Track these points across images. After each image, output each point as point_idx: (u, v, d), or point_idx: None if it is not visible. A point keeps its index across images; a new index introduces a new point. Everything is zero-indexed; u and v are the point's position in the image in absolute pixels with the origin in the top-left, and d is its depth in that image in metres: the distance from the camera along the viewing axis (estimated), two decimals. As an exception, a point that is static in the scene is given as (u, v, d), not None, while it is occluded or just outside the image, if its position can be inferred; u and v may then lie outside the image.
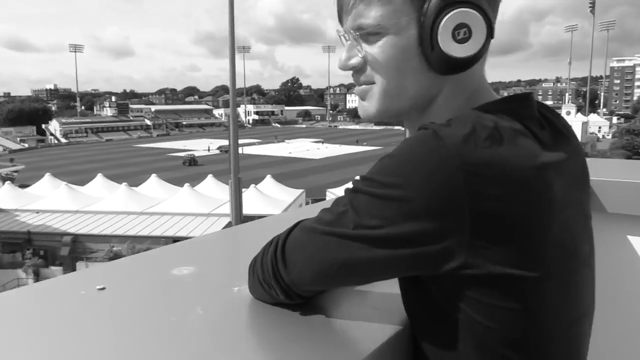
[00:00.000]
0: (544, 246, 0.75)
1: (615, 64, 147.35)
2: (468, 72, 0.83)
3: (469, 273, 0.72)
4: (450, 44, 0.78)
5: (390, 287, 0.86)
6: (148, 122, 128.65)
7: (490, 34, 0.80)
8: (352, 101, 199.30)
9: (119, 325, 0.82)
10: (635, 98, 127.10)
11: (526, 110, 0.82)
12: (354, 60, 0.87)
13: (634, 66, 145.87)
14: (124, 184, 31.46)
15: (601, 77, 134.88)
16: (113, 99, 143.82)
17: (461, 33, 0.78)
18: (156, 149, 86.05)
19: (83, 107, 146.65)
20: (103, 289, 0.93)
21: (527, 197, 0.72)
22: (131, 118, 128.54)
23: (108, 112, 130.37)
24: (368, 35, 0.84)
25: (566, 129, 0.88)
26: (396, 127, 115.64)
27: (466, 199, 0.69)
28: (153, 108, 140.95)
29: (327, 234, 0.77)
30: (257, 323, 0.87)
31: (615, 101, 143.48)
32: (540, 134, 0.79)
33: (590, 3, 79.18)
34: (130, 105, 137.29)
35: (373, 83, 0.86)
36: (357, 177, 0.78)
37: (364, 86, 0.88)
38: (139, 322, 0.84)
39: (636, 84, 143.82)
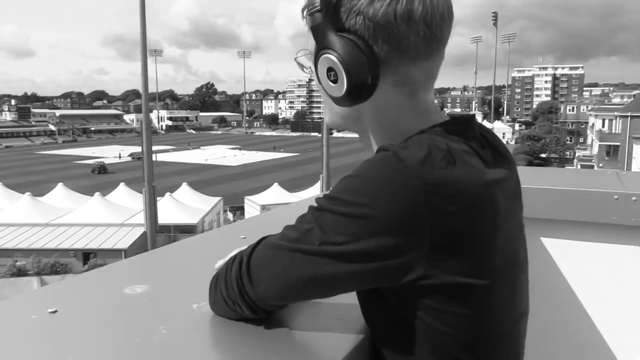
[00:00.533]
0: (491, 256, 0.83)
1: (516, 74, 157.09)
2: (389, 101, 0.89)
3: (427, 283, 0.79)
4: (328, 84, 0.88)
5: (349, 298, 0.90)
6: (52, 127, 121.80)
7: (357, 74, 0.84)
8: (268, 107, 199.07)
9: (82, 351, 0.79)
10: (534, 106, 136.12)
11: (470, 132, 0.90)
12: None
13: (533, 76, 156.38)
14: (27, 193, 29.60)
15: (504, 86, 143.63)
16: (12, 102, 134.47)
17: (331, 75, 0.86)
18: (62, 156, 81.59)
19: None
20: (55, 312, 0.89)
21: (477, 212, 0.80)
22: (33, 123, 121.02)
23: (7, 116, 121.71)
24: None
25: (502, 147, 0.97)
26: (312, 134, 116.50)
27: (426, 216, 0.75)
28: (58, 112, 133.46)
29: (294, 251, 0.80)
30: (222, 339, 0.87)
31: (517, 109, 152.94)
32: (482, 153, 0.87)
33: (493, 16, 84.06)
34: (33, 110, 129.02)
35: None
36: (321, 196, 0.82)
37: None
38: (103, 345, 0.81)
39: (535, 92, 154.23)
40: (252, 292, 0.85)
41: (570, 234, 2.24)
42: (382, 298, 0.84)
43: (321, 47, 0.86)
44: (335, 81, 0.86)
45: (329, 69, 0.85)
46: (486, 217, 0.81)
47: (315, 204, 0.81)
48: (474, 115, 0.96)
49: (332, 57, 0.84)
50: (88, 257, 24.03)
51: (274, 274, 0.82)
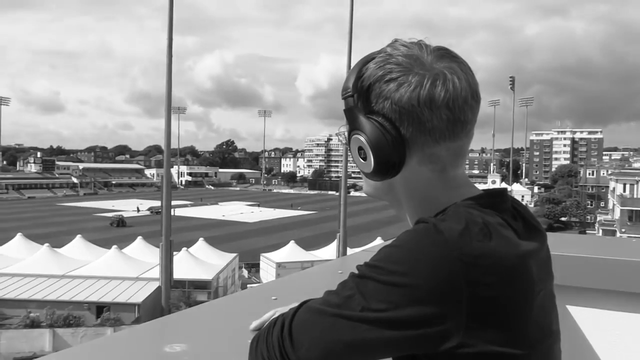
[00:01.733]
0: (527, 326, 0.85)
1: (534, 137, 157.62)
2: (419, 178, 0.95)
3: (464, 352, 0.81)
4: (359, 161, 0.95)
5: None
6: (75, 180, 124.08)
7: (383, 154, 0.90)
8: (287, 165, 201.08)
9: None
10: (553, 169, 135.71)
11: (503, 205, 0.94)
12: None
13: (551, 139, 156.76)
14: (46, 244, 29.88)
15: (522, 149, 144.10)
16: (38, 154, 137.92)
17: (361, 153, 0.93)
18: (82, 208, 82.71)
19: (5, 162, 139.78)
20: (101, 368, 0.92)
21: (513, 283, 0.84)
22: (57, 175, 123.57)
23: (32, 168, 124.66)
24: None
25: (533, 218, 1.01)
26: (330, 192, 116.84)
27: (464, 286, 0.79)
28: (81, 166, 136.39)
29: (336, 316, 0.83)
30: (262, 401, 0.89)
31: (536, 172, 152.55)
32: (515, 225, 0.91)
33: (510, 81, 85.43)
34: (57, 162, 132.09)
35: None
36: (362, 264, 0.86)
37: None
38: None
39: (554, 156, 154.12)
40: (293, 355, 0.87)
41: (598, 303, 2.22)
42: None
43: (352, 128, 0.93)
44: (365, 158, 0.92)
45: (359, 148, 0.92)
46: (521, 288, 0.84)
47: (356, 271, 0.85)
48: (505, 189, 1.00)
49: (361, 138, 0.91)
50: (102, 311, 23.91)
51: (315, 338, 0.85)
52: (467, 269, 0.79)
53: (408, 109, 0.88)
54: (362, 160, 0.93)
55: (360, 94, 0.92)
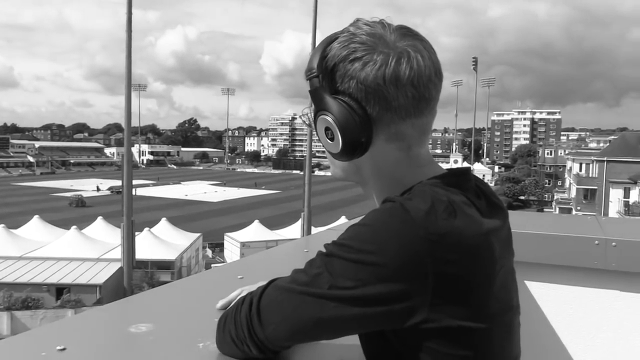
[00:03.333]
0: (488, 301, 0.89)
1: (495, 118, 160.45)
2: (380, 159, 0.96)
3: (429, 327, 0.83)
4: (326, 141, 0.95)
5: (352, 339, 0.93)
6: (31, 158, 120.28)
7: (350, 133, 0.91)
8: (251, 144, 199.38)
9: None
10: (513, 149, 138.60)
11: (467, 184, 0.96)
12: None
13: (512, 120, 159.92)
14: (1, 225, 28.95)
15: (484, 129, 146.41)
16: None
17: (328, 134, 0.94)
18: (39, 188, 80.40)
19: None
20: (64, 349, 0.90)
21: (477, 260, 0.86)
22: (12, 154, 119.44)
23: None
24: None
25: (496, 197, 1.03)
26: (294, 172, 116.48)
27: (430, 264, 0.81)
28: (37, 144, 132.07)
29: (303, 294, 0.84)
30: (230, 379, 0.89)
31: (497, 151, 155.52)
32: (478, 204, 0.94)
33: (473, 61, 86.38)
34: (12, 141, 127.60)
35: None
36: (330, 243, 0.87)
37: None
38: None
39: (514, 136, 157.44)
40: (261, 333, 0.88)
41: (553, 278, 2.29)
42: (385, 340, 0.88)
43: (319, 108, 0.93)
44: (332, 139, 0.93)
45: (326, 128, 0.93)
46: (484, 265, 0.87)
47: (324, 250, 0.86)
48: (469, 168, 1.02)
49: (327, 118, 0.92)
50: (62, 292, 23.46)
51: (283, 316, 0.86)
52: (432, 247, 0.81)
53: (374, 87, 0.89)
54: (329, 141, 0.94)
55: (325, 75, 0.92)
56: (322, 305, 0.82)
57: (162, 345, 0.97)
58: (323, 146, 0.98)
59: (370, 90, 0.89)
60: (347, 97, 0.90)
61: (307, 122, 1.02)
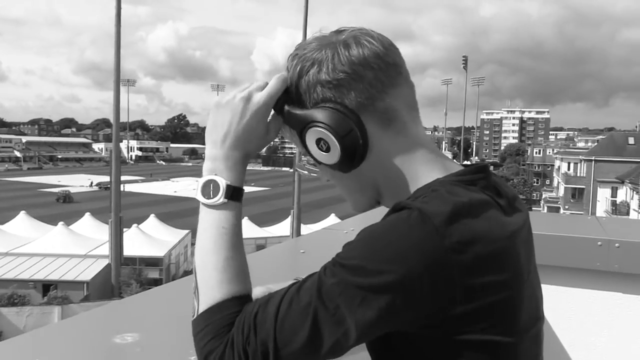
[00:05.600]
0: (519, 313, 0.81)
1: (485, 116, 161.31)
2: (389, 149, 0.89)
3: (455, 339, 0.77)
4: (322, 156, 0.88)
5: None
6: (18, 153, 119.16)
7: (341, 128, 0.85)
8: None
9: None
10: (502, 148, 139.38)
11: (486, 181, 0.88)
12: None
13: (501, 119, 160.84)
14: (-13, 221, 28.62)
15: (473, 127, 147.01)
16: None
17: (322, 145, 0.87)
18: (26, 183, 79.59)
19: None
20: (40, 363, 0.81)
21: (504, 267, 0.78)
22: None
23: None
24: None
25: (513, 193, 0.95)
26: (284, 169, 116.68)
27: (457, 275, 0.74)
28: (24, 139, 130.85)
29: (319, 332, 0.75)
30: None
31: (486, 150, 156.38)
32: (500, 202, 0.85)
33: (463, 60, 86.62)
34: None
35: None
36: (338, 263, 0.76)
37: None
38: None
39: (503, 135, 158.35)
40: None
41: (555, 280, 2.24)
42: (407, 356, 0.81)
43: (302, 126, 0.87)
44: (327, 149, 0.86)
45: (317, 141, 0.86)
46: (512, 273, 0.80)
47: (330, 275, 0.75)
48: (487, 164, 0.94)
49: (317, 129, 0.85)
50: (48, 289, 23.21)
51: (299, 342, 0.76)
52: (458, 258, 0.74)
53: (339, 78, 0.85)
54: (324, 153, 0.86)
55: (291, 100, 0.88)
56: (340, 330, 0.74)
57: (150, 358, 0.88)
58: (318, 165, 0.92)
59: (337, 83, 0.84)
60: (321, 102, 0.85)
61: (309, 168, 0.97)
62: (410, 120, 0.89)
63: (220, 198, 0.86)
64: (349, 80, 0.84)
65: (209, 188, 0.87)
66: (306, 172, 0.98)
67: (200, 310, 0.82)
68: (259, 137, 0.90)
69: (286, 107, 0.89)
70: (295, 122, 0.88)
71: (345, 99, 0.85)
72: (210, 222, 0.87)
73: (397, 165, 0.89)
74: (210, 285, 0.82)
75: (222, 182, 0.87)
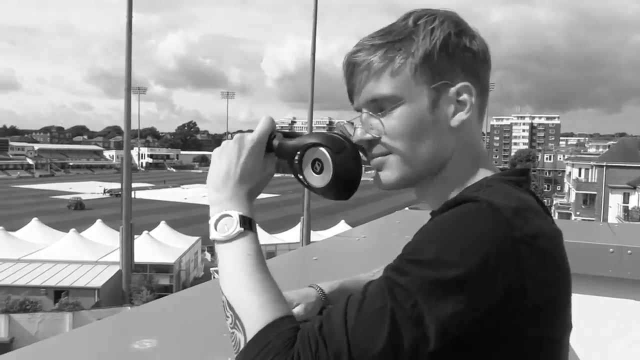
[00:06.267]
0: (567, 312, 0.83)
1: (495, 122, 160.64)
2: (473, 135, 0.91)
3: (520, 334, 0.76)
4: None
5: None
6: (30, 161, 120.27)
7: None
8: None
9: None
10: (512, 153, 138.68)
11: (529, 184, 0.90)
12: (371, 134, 0.89)
13: (511, 125, 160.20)
14: (0, 227, 28.82)
15: (483, 133, 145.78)
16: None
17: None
18: (38, 190, 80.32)
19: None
20: (62, 369, 0.84)
21: (561, 264, 0.80)
22: (11, 156, 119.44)
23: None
24: (381, 108, 0.88)
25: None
26: (287, 175, 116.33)
27: (527, 267, 0.73)
28: (36, 146, 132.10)
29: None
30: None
31: (496, 156, 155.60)
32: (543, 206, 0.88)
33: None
34: (11, 143, 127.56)
35: (389, 153, 0.89)
36: (410, 260, 0.73)
37: (380, 157, 0.90)
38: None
39: (513, 140, 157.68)
40: None
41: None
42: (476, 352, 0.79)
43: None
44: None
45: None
46: (566, 271, 0.82)
47: (399, 275, 0.73)
48: (529, 169, 0.97)
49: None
50: (60, 295, 23.34)
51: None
52: (527, 251, 0.74)
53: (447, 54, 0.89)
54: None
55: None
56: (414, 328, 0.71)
57: (169, 364, 0.90)
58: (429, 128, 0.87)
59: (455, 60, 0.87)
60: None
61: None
62: (482, 111, 0.93)
63: (236, 228, 0.85)
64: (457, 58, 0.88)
65: (222, 224, 0.86)
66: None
67: (249, 337, 0.76)
68: (258, 172, 0.92)
69: (276, 142, 0.91)
70: (288, 151, 0.90)
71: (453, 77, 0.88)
72: (233, 255, 0.85)
73: (475, 150, 0.91)
74: (254, 310, 0.78)
75: (234, 214, 0.86)
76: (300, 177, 0.90)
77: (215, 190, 0.91)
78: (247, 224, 0.87)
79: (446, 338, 0.72)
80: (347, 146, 0.87)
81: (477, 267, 0.71)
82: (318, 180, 0.89)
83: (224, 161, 0.91)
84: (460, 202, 0.78)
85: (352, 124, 0.93)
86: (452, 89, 0.87)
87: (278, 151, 0.92)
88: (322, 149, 0.87)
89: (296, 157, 0.89)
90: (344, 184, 0.88)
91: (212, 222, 0.87)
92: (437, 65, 0.86)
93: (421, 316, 0.70)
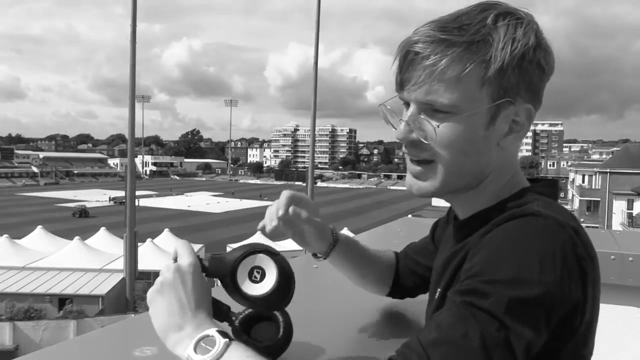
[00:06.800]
0: (595, 328, 0.80)
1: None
2: (515, 153, 0.89)
3: (574, 352, 0.76)
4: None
5: None
6: (35, 169, 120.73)
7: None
8: (253, 155, 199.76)
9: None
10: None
11: (558, 196, 0.92)
12: (417, 134, 0.84)
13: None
14: (5, 235, 28.88)
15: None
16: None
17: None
18: (43, 198, 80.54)
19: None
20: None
21: (599, 282, 0.79)
22: (16, 164, 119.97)
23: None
24: (437, 112, 0.82)
25: None
26: (297, 183, 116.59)
27: (588, 283, 0.74)
28: (42, 154, 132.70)
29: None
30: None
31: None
32: None
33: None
34: (16, 151, 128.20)
35: (433, 160, 0.85)
36: (487, 283, 0.70)
37: (420, 166, 0.86)
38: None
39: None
40: None
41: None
42: None
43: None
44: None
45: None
46: (599, 282, 0.81)
47: (482, 295, 0.69)
48: (558, 181, 0.98)
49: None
50: (64, 303, 23.37)
51: None
52: (588, 267, 0.74)
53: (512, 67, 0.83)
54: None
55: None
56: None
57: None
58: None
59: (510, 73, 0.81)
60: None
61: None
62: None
63: (220, 343, 0.74)
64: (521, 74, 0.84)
65: (202, 348, 0.75)
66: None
67: None
68: (208, 294, 0.84)
69: (206, 262, 0.87)
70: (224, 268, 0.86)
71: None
72: None
73: (512, 166, 0.89)
74: None
75: (211, 331, 0.76)
76: (237, 292, 0.85)
77: (173, 331, 0.79)
78: (228, 336, 0.76)
79: (529, 357, 0.69)
80: (278, 252, 0.86)
81: (555, 284, 0.69)
82: (259, 289, 0.84)
83: (171, 296, 0.81)
84: (519, 215, 0.76)
85: (397, 116, 0.87)
86: (512, 108, 0.82)
87: (211, 269, 0.86)
88: (262, 254, 0.85)
89: (231, 271, 0.84)
90: (289, 286, 0.86)
91: (187, 354, 0.75)
92: (508, 80, 0.80)
93: (508, 338, 0.66)
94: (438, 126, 0.81)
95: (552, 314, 0.69)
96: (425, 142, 0.82)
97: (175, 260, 0.86)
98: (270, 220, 1.00)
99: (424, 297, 1.11)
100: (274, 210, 1.01)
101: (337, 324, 1.29)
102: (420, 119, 0.83)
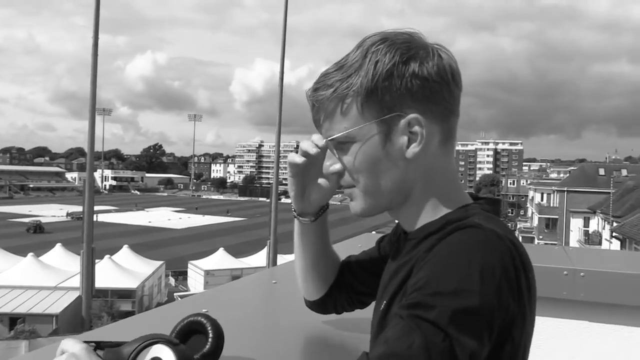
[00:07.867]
0: (530, 340, 0.83)
1: (460, 148, 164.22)
2: (436, 163, 0.90)
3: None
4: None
5: None
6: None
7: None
8: (217, 171, 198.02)
9: None
10: (477, 178, 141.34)
11: (499, 212, 0.95)
12: (334, 167, 0.94)
13: (476, 150, 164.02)
14: (-46, 252, 27.80)
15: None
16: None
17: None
18: (-4, 213, 77.74)
19: None
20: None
21: (535, 285, 0.82)
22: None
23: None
24: (339, 144, 0.91)
25: None
26: (260, 199, 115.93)
27: (523, 293, 0.76)
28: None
29: None
30: None
31: (461, 180, 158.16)
32: None
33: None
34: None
35: (353, 186, 0.93)
36: (429, 293, 0.72)
37: (349, 189, 0.94)
38: None
39: (478, 165, 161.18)
40: None
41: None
42: None
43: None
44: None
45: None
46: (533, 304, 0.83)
47: (426, 307, 0.71)
48: (501, 200, 1.00)
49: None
50: (15, 323, 22.52)
51: None
52: (523, 278, 0.76)
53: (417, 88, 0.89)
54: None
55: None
56: None
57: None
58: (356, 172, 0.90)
59: (413, 93, 0.87)
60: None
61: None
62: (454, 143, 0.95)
63: None
64: (428, 90, 0.89)
65: None
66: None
67: None
68: None
69: (100, 352, 0.78)
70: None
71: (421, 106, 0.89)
72: None
73: (439, 182, 0.91)
74: None
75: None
76: None
77: None
78: None
79: None
80: (178, 341, 0.80)
81: (495, 294, 0.71)
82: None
83: None
84: (461, 227, 0.80)
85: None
86: (402, 121, 0.87)
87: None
88: (160, 345, 0.77)
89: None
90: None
91: None
92: (383, 99, 0.86)
93: (453, 348, 0.68)
94: (340, 158, 0.92)
95: (493, 324, 0.71)
96: (342, 170, 0.93)
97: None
98: (311, 148, 0.97)
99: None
100: (310, 142, 0.98)
101: (295, 338, 1.28)
102: (331, 154, 0.95)
